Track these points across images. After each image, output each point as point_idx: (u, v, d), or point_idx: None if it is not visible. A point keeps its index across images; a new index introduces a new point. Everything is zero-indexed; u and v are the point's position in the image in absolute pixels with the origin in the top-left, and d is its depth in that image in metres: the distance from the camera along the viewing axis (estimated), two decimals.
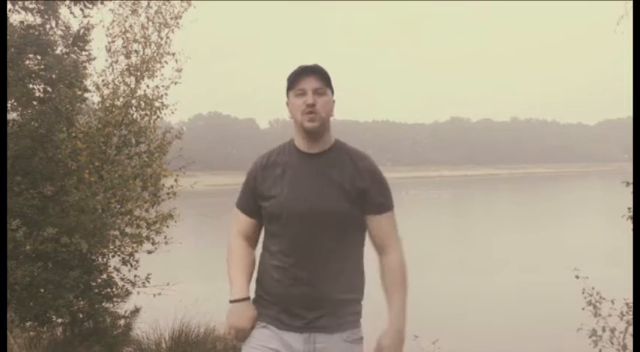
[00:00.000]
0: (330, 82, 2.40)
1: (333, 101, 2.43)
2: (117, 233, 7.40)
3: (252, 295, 2.46)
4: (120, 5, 7.72)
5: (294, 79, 2.36)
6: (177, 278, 7.98)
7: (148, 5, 7.78)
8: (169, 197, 7.81)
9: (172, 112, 8.02)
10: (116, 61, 7.76)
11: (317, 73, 2.37)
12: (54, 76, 6.69)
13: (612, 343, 5.38)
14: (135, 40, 7.72)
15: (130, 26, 7.71)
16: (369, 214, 2.39)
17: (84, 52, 7.45)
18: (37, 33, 6.80)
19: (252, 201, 2.42)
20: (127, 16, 7.71)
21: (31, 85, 6.85)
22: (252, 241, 2.49)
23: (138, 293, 7.53)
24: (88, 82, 7.42)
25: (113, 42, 7.73)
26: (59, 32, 7.32)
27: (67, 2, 7.41)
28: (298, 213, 2.30)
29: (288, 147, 2.43)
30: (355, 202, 2.34)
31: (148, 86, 7.83)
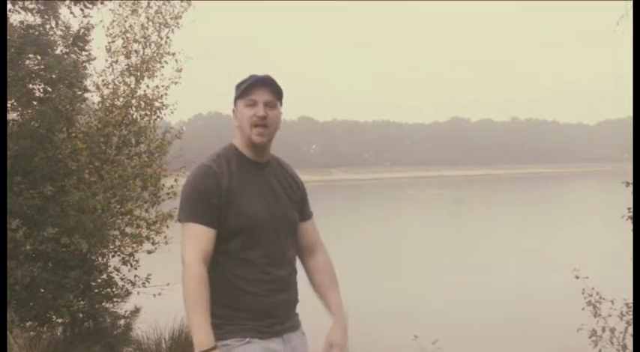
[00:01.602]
0: (281, 95, 2.39)
1: (281, 113, 2.43)
2: (117, 233, 7.40)
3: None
4: (120, 5, 7.72)
5: (247, 89, 2.34)
6: (177, 278, 7.97)
7: (148, 5, 7.78)
8: (169, 197, 7.80)
9: (172, 112, 8.03)
10: (116, 61, 7.76)
11: (270, 85, 2.35)
12: (54, 76, 6.69)
13: (612, 343, 5.38)
14: (135, 40, 7.72)
15: (130, 26, 7.71)
16: (303, 221, 2.53)
17: (84, 52, 7.45)
18: (37, 33, 6.81)
19: (214, 212, 2.26)
20: (127, 16, 7.71)
21: (31, 85, 6.86)
22: (208, 262, 2.29)
23: (138, 293, 7.52)
24: (88, 82, 7.42)
25: (113, 42, 7.73)
26: (59, 32, 7.32)
27: (67, 2, 7.41)
28: (270, 224, 2.35)
29: (234, 154, 2.38)
30: (297, 211, 2.51)
31: (148, 86, 7.83)
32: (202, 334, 2.16)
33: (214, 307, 2.25)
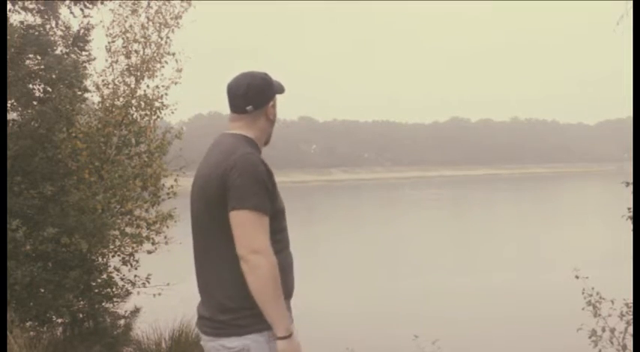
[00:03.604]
0: None
1: None
2: (117, 233, 7.40)
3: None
4: (120, 5, 7.72)
5: (283, 88, 2.50)
6: (177, 278, 7.98)
7: (148, 5, 7.78)
8: (169, 197, 7.81)
9: (172, 112, 8.02)
10: (116, 61, 7.76)
11: None
12: (54, 76, 6.70)
13: (612, 343, 5.38)
14: (135, 40, 7.72)
15: (130, 26, 7.71)
16: None
17: (84, 52, 7.46)
18: (37, 33, 6.81)
19: (269, 199, 2.30)
20: (127, 16, 7.71)
21: (31, 85, 6.86)
22: None
23: (138, 293, 7.53)
24: (88, 82, 7.42)
25: (113, 42, 7.73)
26: (59, 32, 7.33)
27: (67, 2, 7.42)
28: None
29: (256, 147, 2.43)
30: None
31: (148, 86, 7.83)
32: (288, 320, 2.24)
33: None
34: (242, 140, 2.37)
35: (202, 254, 2.36)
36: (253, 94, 2.39)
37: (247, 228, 2.20)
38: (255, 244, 2.18)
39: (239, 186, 2.22)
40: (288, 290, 2.32)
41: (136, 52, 7.74)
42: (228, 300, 2.26)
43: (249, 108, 2.39)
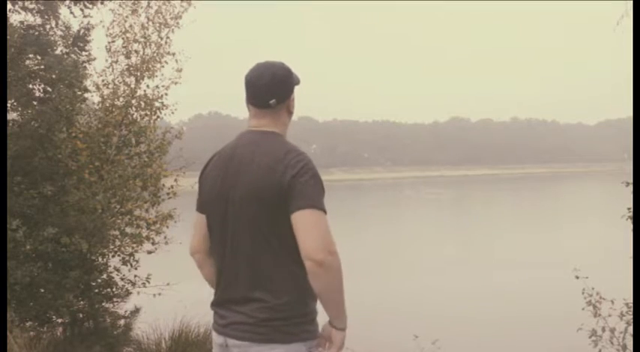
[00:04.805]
0: None
1: None
2: (117, 233, 7.40)
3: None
4: (120, 5, 7.72)
5: (299, 79, 2.41)
6: (177, 278, 7.98)
7: (148, 5, 7.79)
8: (169, 197, 7.81)
9: (172, 112, 8.02)
10: (116, 61, 7.77)
11: None
12: (54, 76, 6.70)
13: (612, 343, 5.38)
14: (135, 40, 7.72)
15: (130, 26, 7.72)
16: None
17: (84, 52, 7.46)
18: (37, 33, 6.81)
19: None
20: (127, 16, 7.71)
21: (31, 85, 6.86)
22: None
23: (138, 293, 7.53)
24: (88, 82, 7.43)
25: (113, 42, 7.73)
26: (59, 32, 7.32)
27: (67, 2, 7.42)
28: None
29: None
30: None
31: (148, 86, 7.84)
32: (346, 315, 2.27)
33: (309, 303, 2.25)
34: (281, 138, 2.29)
35: (246, 256, 2.23)
36: (276, 85, 2.27)
37: (322, 229, 2.14)
38: (332, 246, 2.14)
39: (309, 187, 2.16)
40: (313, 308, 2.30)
41: (136, 52, 7.74)
42: (282, 307, 2.18)
43: (272, 102, 2.27)
